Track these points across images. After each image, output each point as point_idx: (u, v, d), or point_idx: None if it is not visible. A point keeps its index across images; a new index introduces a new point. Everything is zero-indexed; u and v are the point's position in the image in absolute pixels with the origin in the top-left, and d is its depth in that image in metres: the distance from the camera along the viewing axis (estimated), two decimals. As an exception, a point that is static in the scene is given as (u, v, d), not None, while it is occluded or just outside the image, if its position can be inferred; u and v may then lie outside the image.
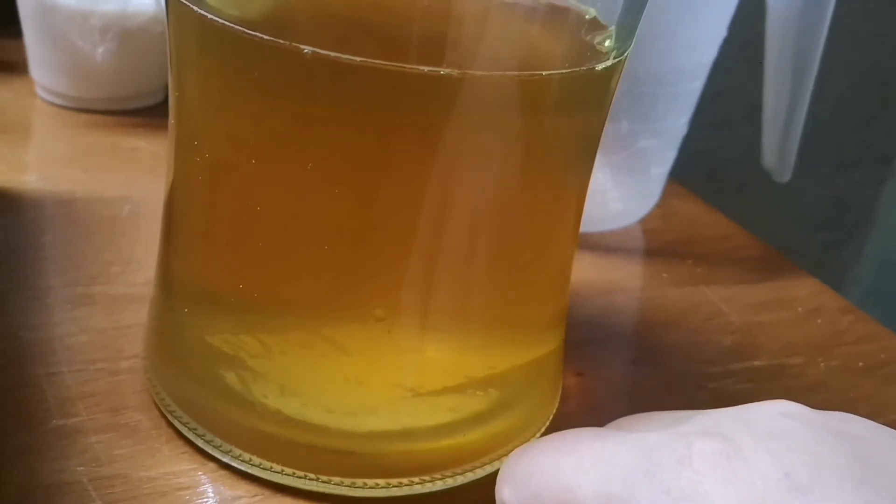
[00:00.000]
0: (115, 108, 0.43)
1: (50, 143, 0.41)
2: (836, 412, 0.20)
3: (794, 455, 0.18)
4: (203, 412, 0.25)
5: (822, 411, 0.20)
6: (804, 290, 0.38)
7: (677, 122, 0.39)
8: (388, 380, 0.24)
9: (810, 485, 0.17)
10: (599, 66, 0.21)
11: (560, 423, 0.27)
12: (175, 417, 0.25)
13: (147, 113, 0.44)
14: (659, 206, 0.43)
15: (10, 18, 0.43)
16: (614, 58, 0.22)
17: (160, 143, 0.41)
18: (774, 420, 0.19)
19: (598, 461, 0.19)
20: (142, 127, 0.43)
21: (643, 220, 0.42)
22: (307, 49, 0.19)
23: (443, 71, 0.19)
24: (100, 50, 0.41)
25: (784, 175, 0.41)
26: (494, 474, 0.22)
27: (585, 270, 0.37)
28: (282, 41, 0.19)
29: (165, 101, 0.46)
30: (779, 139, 0.41)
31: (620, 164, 0.38)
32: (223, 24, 0.20)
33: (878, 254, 0.93)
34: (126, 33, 0.41)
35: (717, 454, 0.18)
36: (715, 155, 0.78)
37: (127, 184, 0.38)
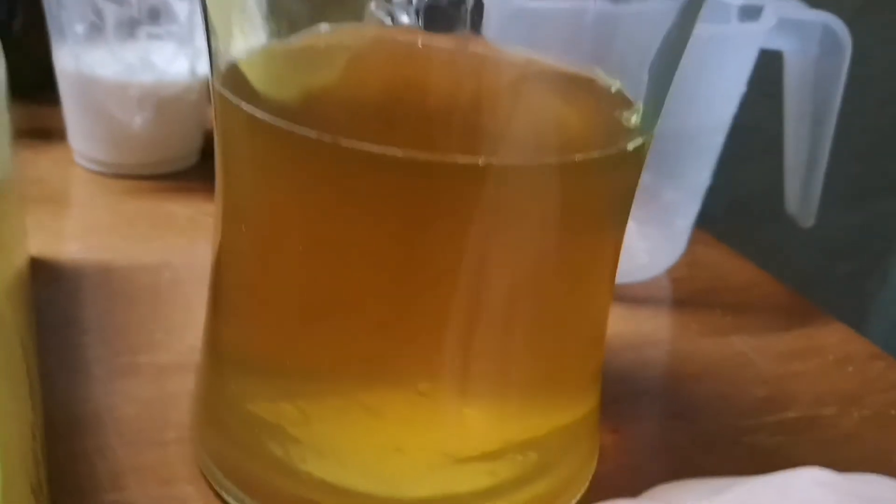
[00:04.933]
0: (150, 173, 0.45)
1: (90, 212, 0.42)
2: (867, 475, 0.20)
3: None
4: (249, 481, 0.25)
5: (852, 475, 0.20)
6: (833, 338, 0.39)
7: (700, 176, 0.39)
8: (429, 447, 0.24)
9: None
10: (630, 146, 0.22)
11: (599, 482, 0.28)
12: (223, 488, 0.26)
13: (181, 176, 0.46)
14: (684, 253, 0.43)
15: (43, 85, 0.45)
16: (643, 135, 0.23)
17: (195, 207, 0.42)
18: (808, 490, 0.19)
19: None
20: (177, 191, 0.44)
21: (669, 269, 0.43)
22: (351, 144, 0.20)
23: (481, 162, 0.20)
24: (137, 119, 0.42)
25: (808, 221, 0.42)
26: (537, 541, 0.22)
27: (614, 323, 0.37)
28: (327, 137, 0.20)
29: (199, 164, 0.47)
30: (801, 185, 0.41)
31: (646, 218, 0.39)
32: (269, 120, 0.21)
33: (903, 284, 0.92)
34: (162, 102, 0.43)
35: None
36: (735, 188, 0.78)
37: (165, 250, 0.39)
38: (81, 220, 0.41)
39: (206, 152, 0.47)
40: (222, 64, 0.23)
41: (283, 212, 0.22)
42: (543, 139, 0.21)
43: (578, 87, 0.23)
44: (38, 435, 0.24)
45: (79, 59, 0.42)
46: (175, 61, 0.43)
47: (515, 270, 0.22)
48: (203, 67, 0.44)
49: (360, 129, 0.20)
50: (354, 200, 0.21)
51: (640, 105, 0.23)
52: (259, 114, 0.21)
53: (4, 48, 0.30)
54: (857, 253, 0.91)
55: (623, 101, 0.23)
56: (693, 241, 0.44)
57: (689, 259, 0.44)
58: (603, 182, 0.23)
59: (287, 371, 0.24)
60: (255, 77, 0.23)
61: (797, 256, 0.65)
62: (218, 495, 0.26)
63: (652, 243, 0.40)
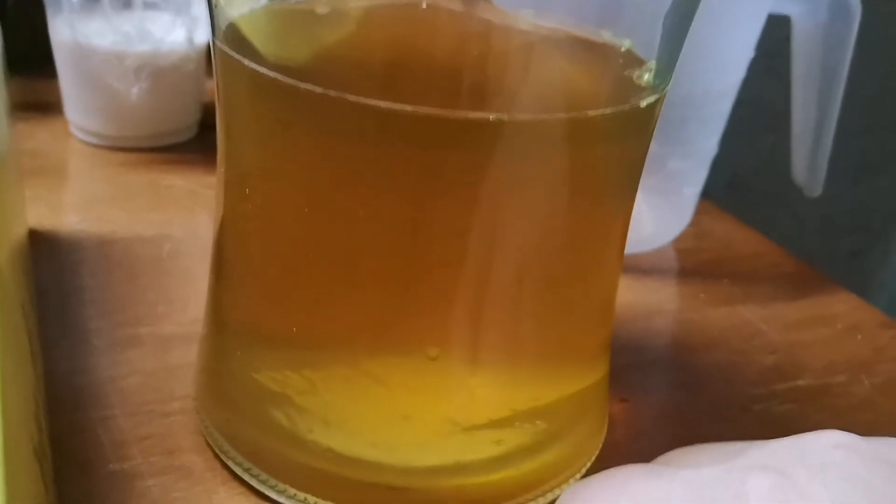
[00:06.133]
0: (149, 146, 0.44)
1: (88, 184, 0.42)
2: (886, 438, 0.20)
3: (848, 486, 0.18)
4: (256, 451, 0.25)
5: (872, 438, 0.20)
6: (842, 307, 0.38)
7: (708, 143, 0.39)
8: (436, 415, 0.24)
9: None
10: (643, 103, 0.22)
11: (609, 451, 0.27)
12: (229, 458, 0.25)
13: (180, 149, 0.45)
14: (690, 224, 0.43)
15: (39, 59, 0.44)
16: (656, 92, 0.22)
17: (195, 180, 0.42)
18: (827, 452, 0.19)
19: (652, 500, 0.19)
20: (176, 163, 0.43)
21: (676, 240, 0.42)
22: (358, 99, 0.19)
23: (491, 117, 0.19)
24: (134, 89, 0.42)
25: (815, 190, 0.41)
26: (550, 507, 0.22)
27: (622, 293, 0.37)
28: (333, 92, 0.19)
29: (198, 136, 0.47)
30: (808, 155, 0.41)
31: (653, 187, 0.38)
32: (273, 76, 0.20)
33: (905, 259, 0.92)
34: (159, 72, 0.42)
35: (772, 489, 0.18)
36: (737, 164, 0.78)
37: (165, 222, 0.38)
38: (80, 193, 0.41)
39: (205, 125, 0.47)
40: (223, 21, 0.22)
41: (288, 173, 0.22)
42: (553, 95, 0.21)
43: (588, 46, 0.22)
44: (39, 401, 0.23)
45: (75, 30, 0.41)
46: (172, 31, 0.42)
47: (526, 231, 0.22)
48: (200, 37, 0.43)
49: (368, 86, 0.20)
50: (361, 159, 0.20)
51: (652, 63, 0.23)
52: (263, 70, 0.20)
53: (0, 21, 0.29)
54: (860, 229, 0.91)
55: (634, 60, 0.23)
56: (699, 212, 0.43)
57: (695, 229, 0.43)
58: (615, 141, 0.22)
59: (293, 339, 0.24)
60: (258, 35, 0.22)
61: (799, 233, 0.65)
62: (224, 465, 0.25)
63: (659, 212, 0.40)
